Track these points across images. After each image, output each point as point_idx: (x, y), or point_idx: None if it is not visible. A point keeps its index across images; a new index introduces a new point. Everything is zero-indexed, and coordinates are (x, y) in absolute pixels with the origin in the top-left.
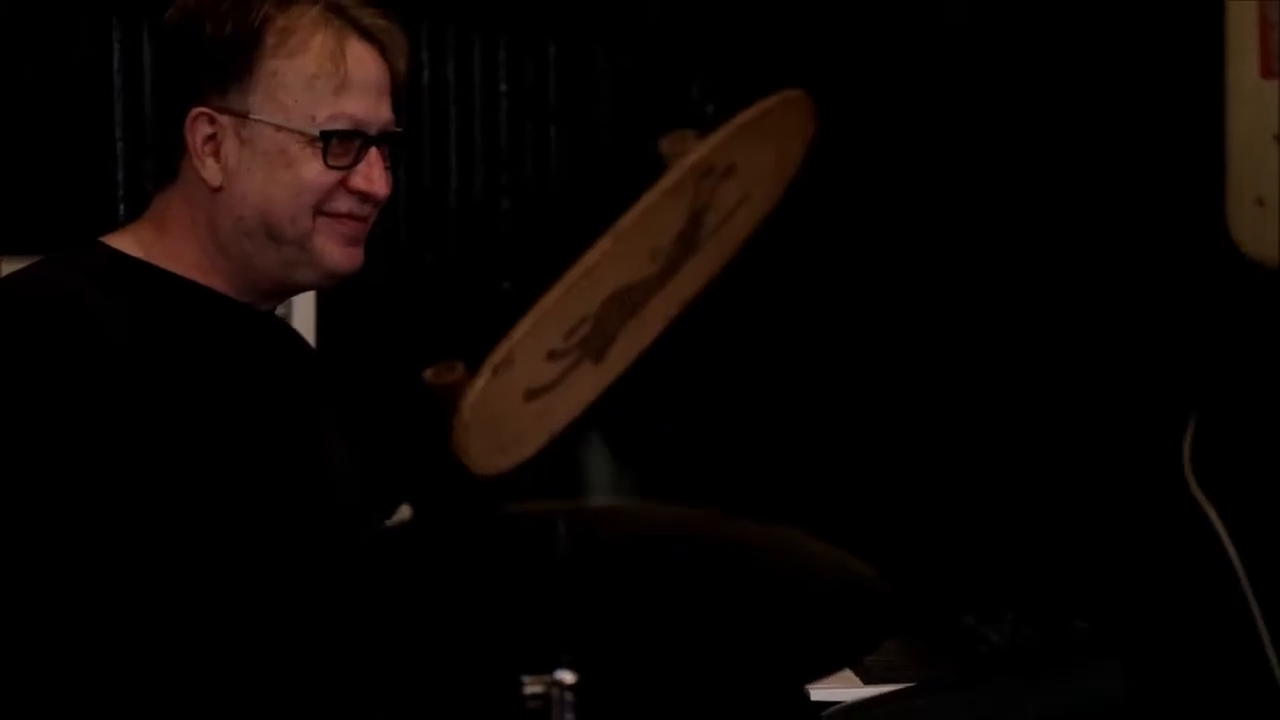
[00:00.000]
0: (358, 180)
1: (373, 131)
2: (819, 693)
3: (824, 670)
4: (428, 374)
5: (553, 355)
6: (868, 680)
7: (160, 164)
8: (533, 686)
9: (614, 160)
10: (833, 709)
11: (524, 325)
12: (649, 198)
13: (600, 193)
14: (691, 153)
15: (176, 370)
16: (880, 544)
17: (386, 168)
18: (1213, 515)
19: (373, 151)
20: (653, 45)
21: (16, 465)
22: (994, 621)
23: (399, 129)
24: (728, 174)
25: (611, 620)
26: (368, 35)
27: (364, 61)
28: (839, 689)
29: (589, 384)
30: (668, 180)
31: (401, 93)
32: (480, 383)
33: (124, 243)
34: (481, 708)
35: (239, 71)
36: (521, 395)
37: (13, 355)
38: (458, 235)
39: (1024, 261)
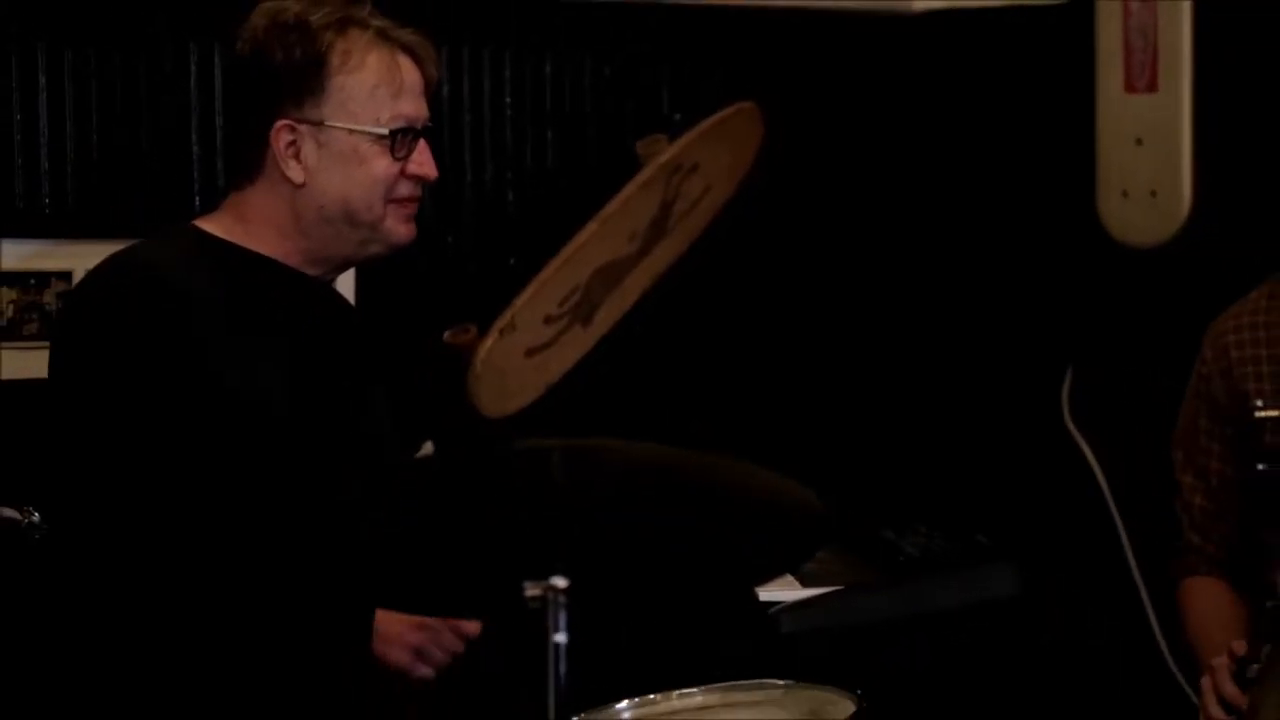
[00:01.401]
0: (414, 167)
1: (420, 126)
2: (766, 594)
3: (770, 575)
4: (446, 335)
5: (549, 319)
6: (806, 583)
7: (240, 168)
8: (532, 590)
9: (599, 158)
10: (777, 607)
11: (525, 294)
12: (628, 190)
13: (588, 185)
14: (662, 153)
15: (255, 327)
16: (816, 471)
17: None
18: (1086, 449)
19: (422, 142)
20: (631, 63)
21: (125, 408)
22: (910, 535)
23: (432, 124)
24: (692, 171)
25: (597, 535)
26: (409, 50)
27: (410, 72)
28: (782, 591)
29: (578, 343)
30: (643, 175)
31: (432, 89)
32: (489, 342)
33: (211, 226)
34: (490, 606)
35: (312, 88)
36: (523, 353)
37: (127, 313)
38: (472, 220)
39: (938, 239)
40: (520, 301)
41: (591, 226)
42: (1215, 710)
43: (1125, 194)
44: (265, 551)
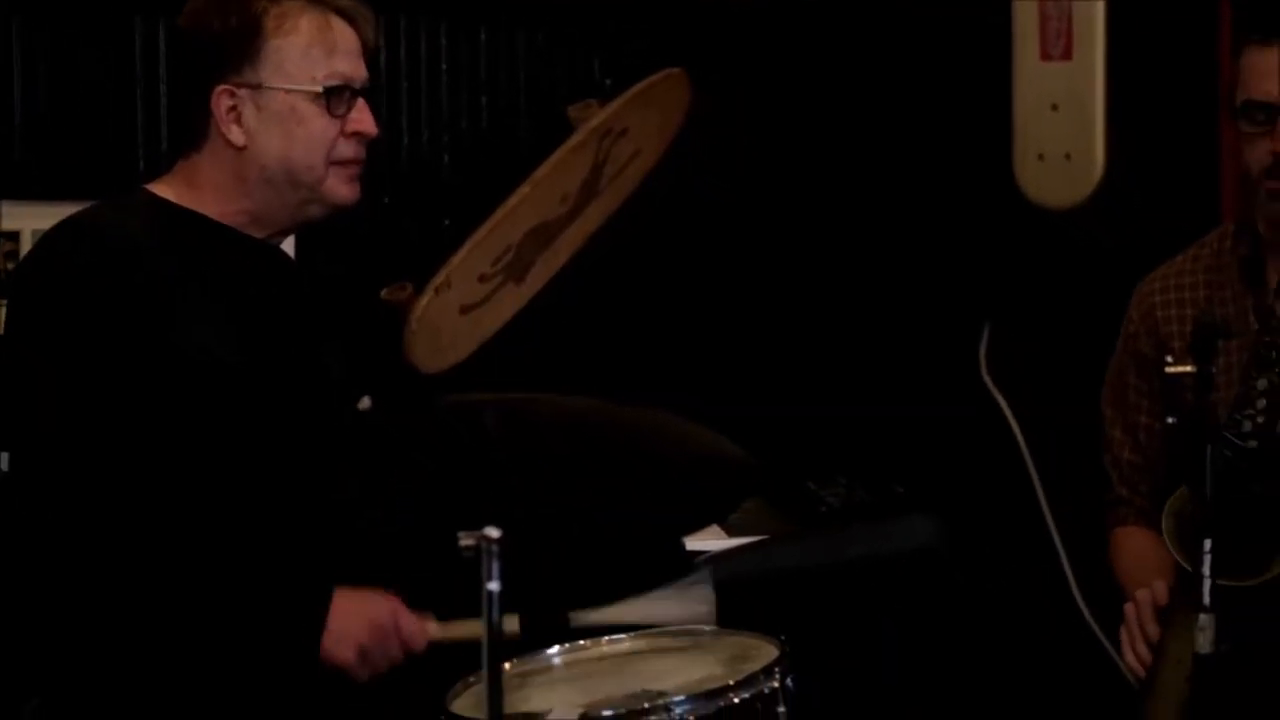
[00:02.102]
0: (353, 124)
1: (358, 85)
2: (693, 543)
3: (697, 525)
4: (383, 292)
5: (483, 278)
6: (732, 533)
7: (185, 134)
8: (466, 540)
9: (531, 123)
10: (704, 555)
11: (460, 254)
12: (559, 153)
13: (520, 149)
14: (593, 118)
15: (205, 288)
16: (741, 425)
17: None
18: (1002, 403)
19: (360, 100)
20: (563, 30)
21: (81, 368)
22: (831, 486)
23: (371, 83)
24: (622, 134)
25: (529, 487)
26: (342, 12)
27: (344, 32)
28: (709, 540)
29: (511, 301)
30: (575, 139)
31: (370, 55)
32: (424, 300)
33: (162, 191)
34: (426, 557)
35: (248, 52)
36: (457, 310)
37: (82, 276)
38: (408, 183)
39: (861, 201)
40: (455, 260)
41: (524, 189)
42: (1140, 647)
43: (1041, 157)
44: (220, 508)
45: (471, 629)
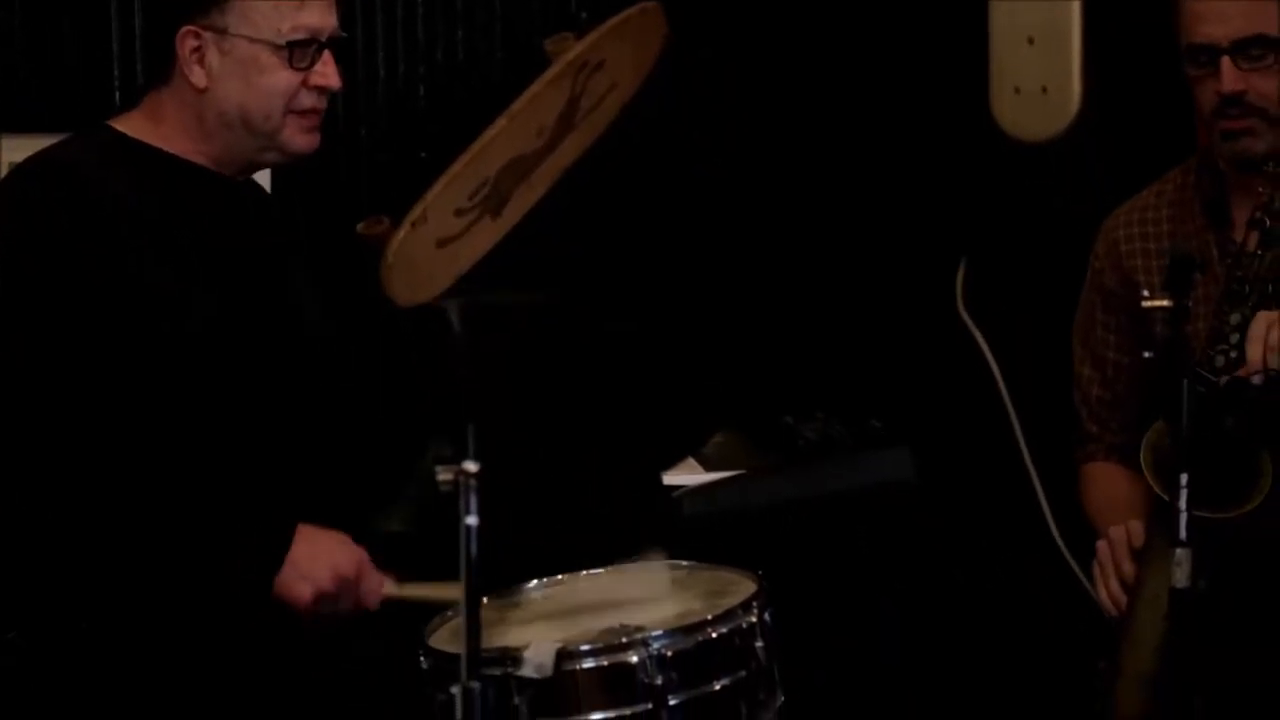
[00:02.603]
0: (316, 78)
1: (324, 38)
2: (670, 478)
3: (673, 459)
4: (360, 226)
5: (459, 212)
6: (708, 468)
7: (154, 70)
8: (444, 474)
9: (508, 56)
10: (681, 490)
11: (436, 188)
12: (536, 86)
13: (497, 82)
14: (570, 51)
15: (171, 226)
16: (718, 359)
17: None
18: (979, 336)
19: (326, 53)
20: None
21: (48, 306)
22: (808, 421)
23: (344, 34)
24: (599, 68)
25: (504, 420)
26: None
27: None
28: (686, 475)
29: (488, 235)
30: (551, 72)
31: (343, 4)
32: (401, 234)
33: (126, 127)
34: (400, 482)
35: None
36: (434, 244)
37: (48, 215)
38: (385, 116)
39: (838, 133)
40: (431, 195)
41: (500, 122)
42: (1113, 585)
43: (1017, 90)
44: (183, 441)
45: (428, 591)
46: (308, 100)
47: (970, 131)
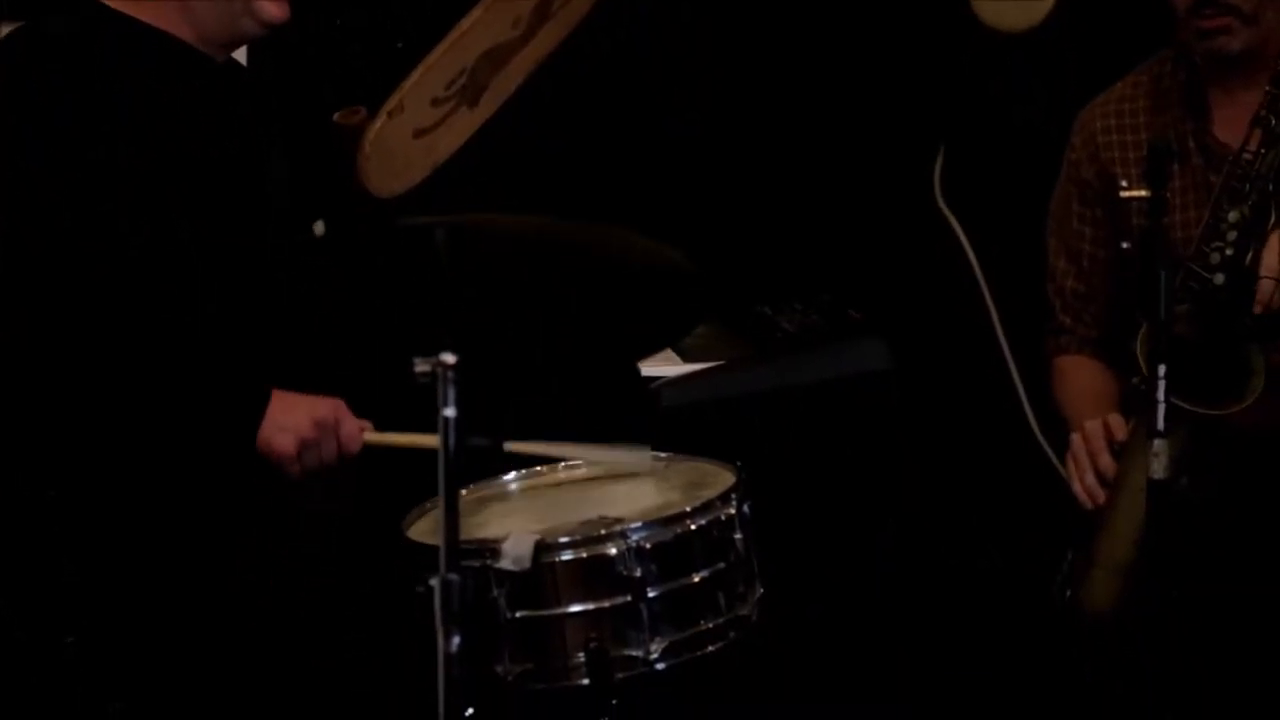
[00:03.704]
0: None
1: None
2: (648, 369)
3: (651, 349)
4: (336, 116)
5: (436, 101)
6: (686, 359)
7: None
8: (421, 366)
9: None
10: (659, 380)
11: (413, 77)
12: None
13: None
14: None
15: (155, 102)
16: (694, 250)
17: None
18: (956, 226)
19: None
20: None
21: (30, 171)
22: (786, 311)
23: None
24: None
25: (483, 309)
26: None
27: None
28: (664, 367)
29: (465, 125)
30: None
31: None
32: (377, 124)
33: (114, 3)
34: (385, 384)
35: None
36: (411, 134)
37: (37, 89)
38: (360, 4)
39: (814, 23)
40: (408, 84)
41: (477, 11)
42: (1089, 478)
43: None
44: (162, 314)
45: (408, 439)
46: None
47: (947, 22)
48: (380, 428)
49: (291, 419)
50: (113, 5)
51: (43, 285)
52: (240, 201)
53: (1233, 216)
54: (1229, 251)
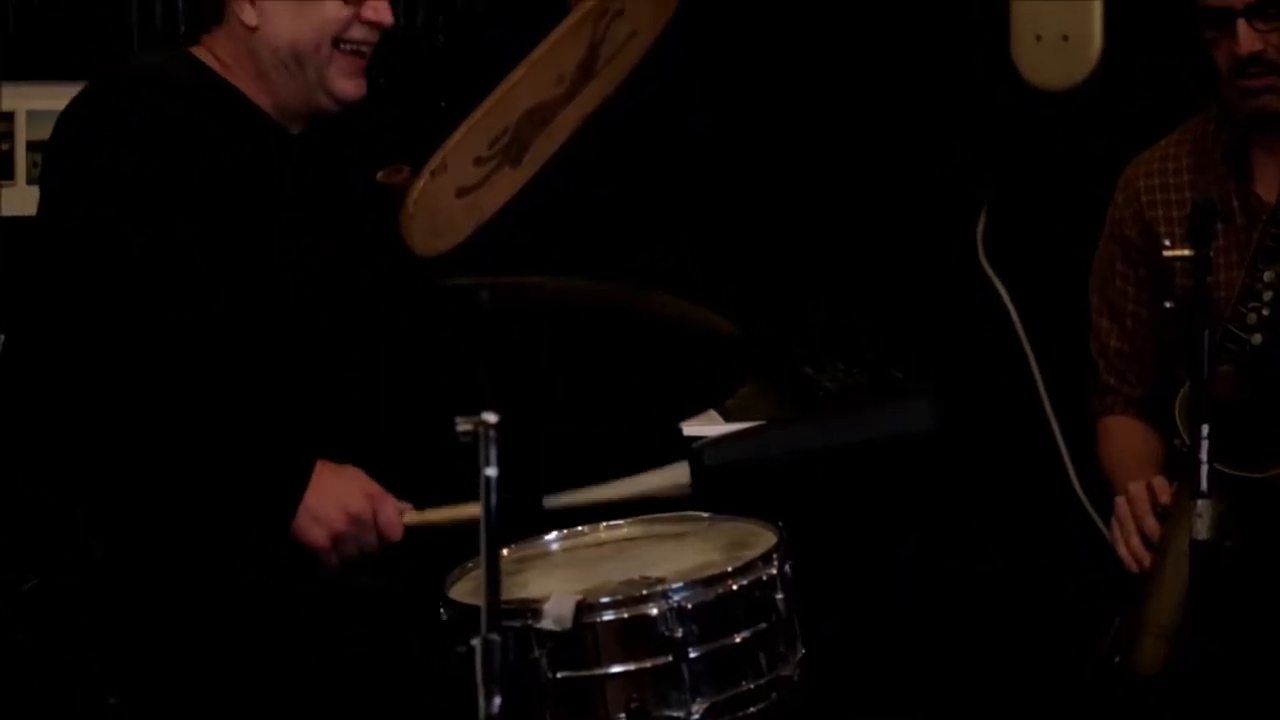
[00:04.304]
0: (368, 12)
1: None
2: (689, 428)
3: (693, 410)
4: (379, 175)
5: (479, 160)
6: (728, 419)
7: (203, 11)
8: (464, 425)
9: (528, 2)
10: (700, 441)
11: (456, 136)
12: (556, 33)
13: (517, 29)
14: None
15: (225, 161)
16: (739, 309)
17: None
18: (999, 285)
19: None
20: None
21: (99, 209)
22: (828, 370)
23: None
24: (619, 15)
25: (525, 369)
26: None
27: None
28: (705, 426)
29: (508, 184)
30: (571, 19)
31: None
32: (421, 183)
33: (202, 55)
34: (426, 441)
35: None
36: (454, 193)
37: (118, 124)
38: (404, 63)
39: (859, 80)
40: (451, 143)
41: (520, 69)
42: (1134, 541)
43: (1038, 38)
44: (211, 377)
45: (448, 514)
46: (358, 32)
47: (990, 79)
48: (421, 487)
49: (326, 509)
50: (202, 58)
51: (99, 326)
52: (296, 267)
53: (1268, 276)
54: (1265, 311)
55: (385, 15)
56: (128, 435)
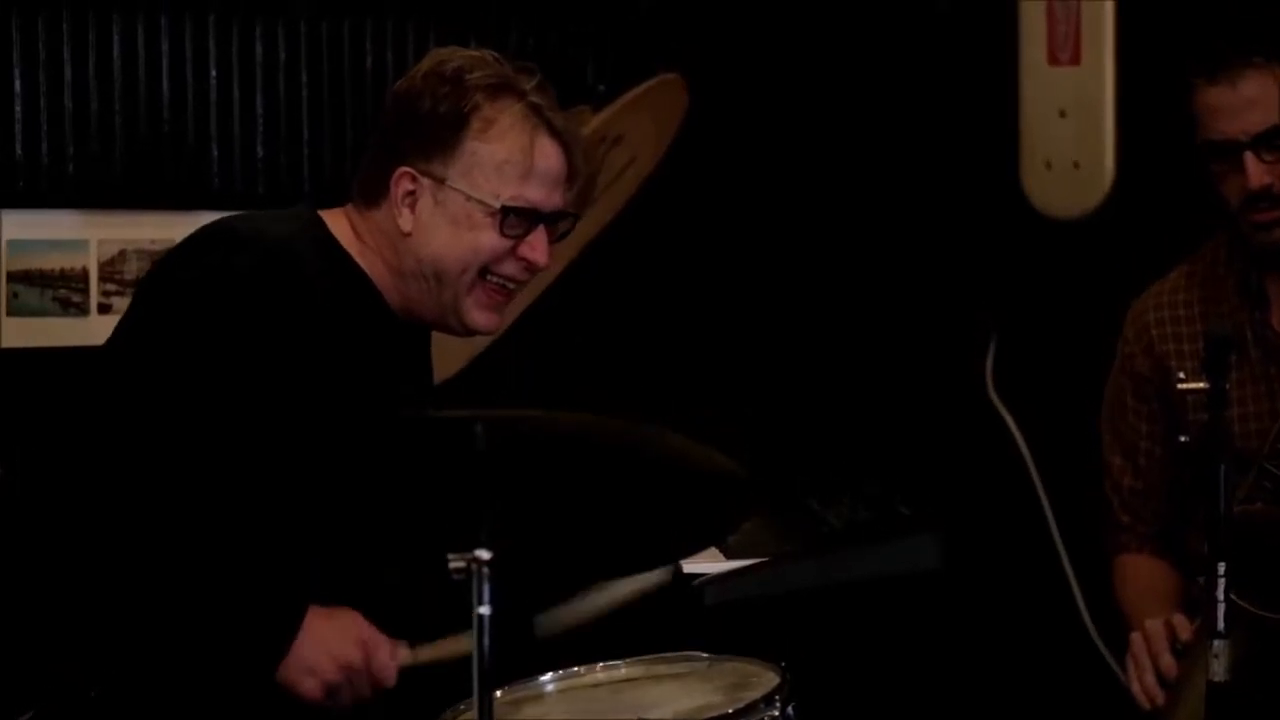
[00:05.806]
0: (524, 249)
1: (544, 212)
2: (690, 566)
3: (694, 548)
4: None
5: None
6: (730, 555)
7: (367, 189)
8: (456, 562)
9: None
10: (701, 579)
11: None
12: None
13: None
14: (587, 125)
15: (338, 353)
16: (740, 442)
17: (551, 241)
18: (1009, 420)
19: (540, 228)
20: (555, 34)
21: (174, 368)
22: (833, 506)
23: (570, 211)
24: (617, 142)
25: (521, 506)
26: (556, 134)
27: (549, 156)
28: (706, 564)
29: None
30: None
31: (577, 181)
32: None
33: (335, 228)
34: (415, 578)
35: (444, 145)
36: None
37: (247, 297)
38: None
39: (863, 209)
40: None
41: None
42: (1148, 678)
43: (1049, 165)
44: (211, 536)
45: (444, 650)
46: (510, 268)
47: (999, 207)
48: (414, 622)
49: (319, 660)
50: (332, 226)
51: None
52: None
53: None
54: None
55: (540, 256)
56: (127, 580)
